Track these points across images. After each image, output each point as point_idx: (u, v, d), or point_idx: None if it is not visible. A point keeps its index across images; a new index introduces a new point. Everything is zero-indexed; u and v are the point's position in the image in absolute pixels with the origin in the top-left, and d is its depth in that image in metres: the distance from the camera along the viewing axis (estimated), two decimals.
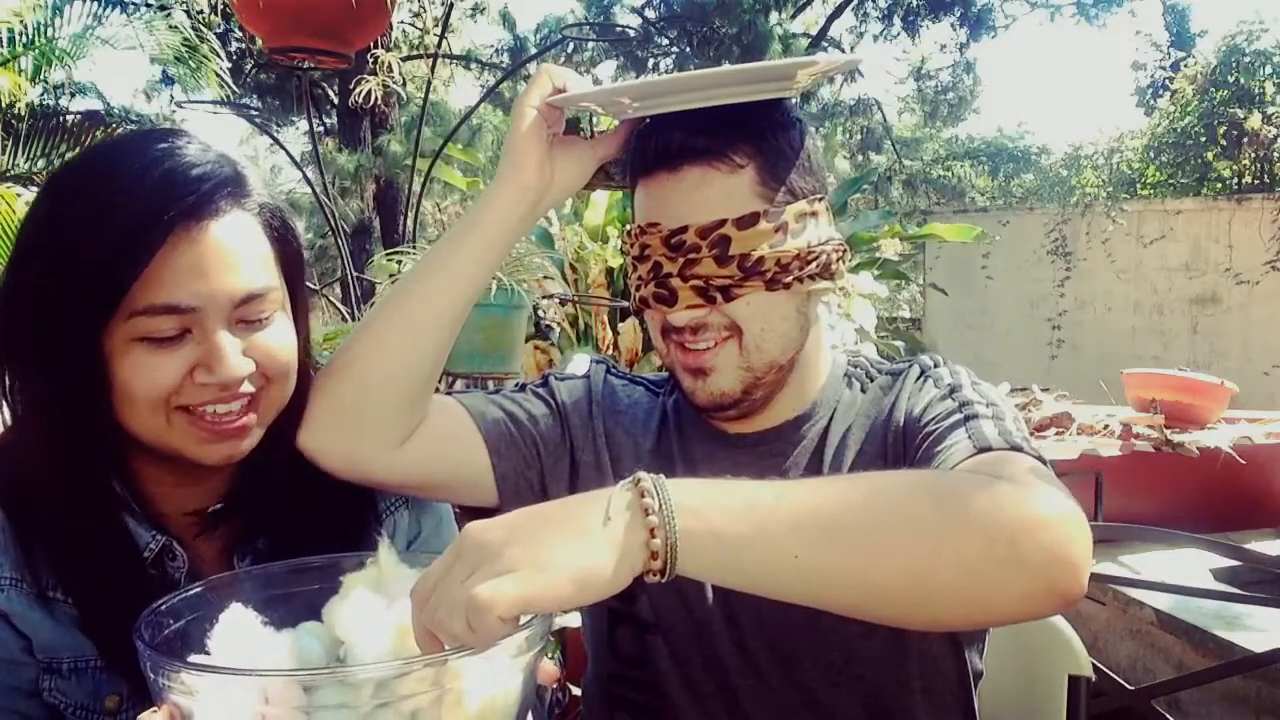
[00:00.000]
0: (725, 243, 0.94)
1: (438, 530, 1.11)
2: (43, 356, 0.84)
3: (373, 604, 0.75)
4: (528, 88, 0.96)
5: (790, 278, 0.96)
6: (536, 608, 0.64)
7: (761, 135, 0.96)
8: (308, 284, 1.00)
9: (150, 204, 0.82)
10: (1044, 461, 0.85)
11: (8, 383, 0.88)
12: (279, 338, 0.90)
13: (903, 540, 0.69)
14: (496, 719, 0.69)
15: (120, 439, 0.88)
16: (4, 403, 0.90)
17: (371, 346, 0.96)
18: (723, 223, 0.94)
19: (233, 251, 0.85)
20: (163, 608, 0.74)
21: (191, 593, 0.77)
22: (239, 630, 0.73)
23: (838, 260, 1.01)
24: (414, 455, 0.99)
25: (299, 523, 0.97)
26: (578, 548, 0.65)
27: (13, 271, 0.86)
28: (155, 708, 0.66)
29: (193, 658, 0.70)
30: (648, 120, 0.99)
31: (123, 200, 0.82)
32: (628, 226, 1.03)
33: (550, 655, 1.58)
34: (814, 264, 0.98)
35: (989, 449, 0.85)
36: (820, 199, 1.00)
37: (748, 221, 0.94)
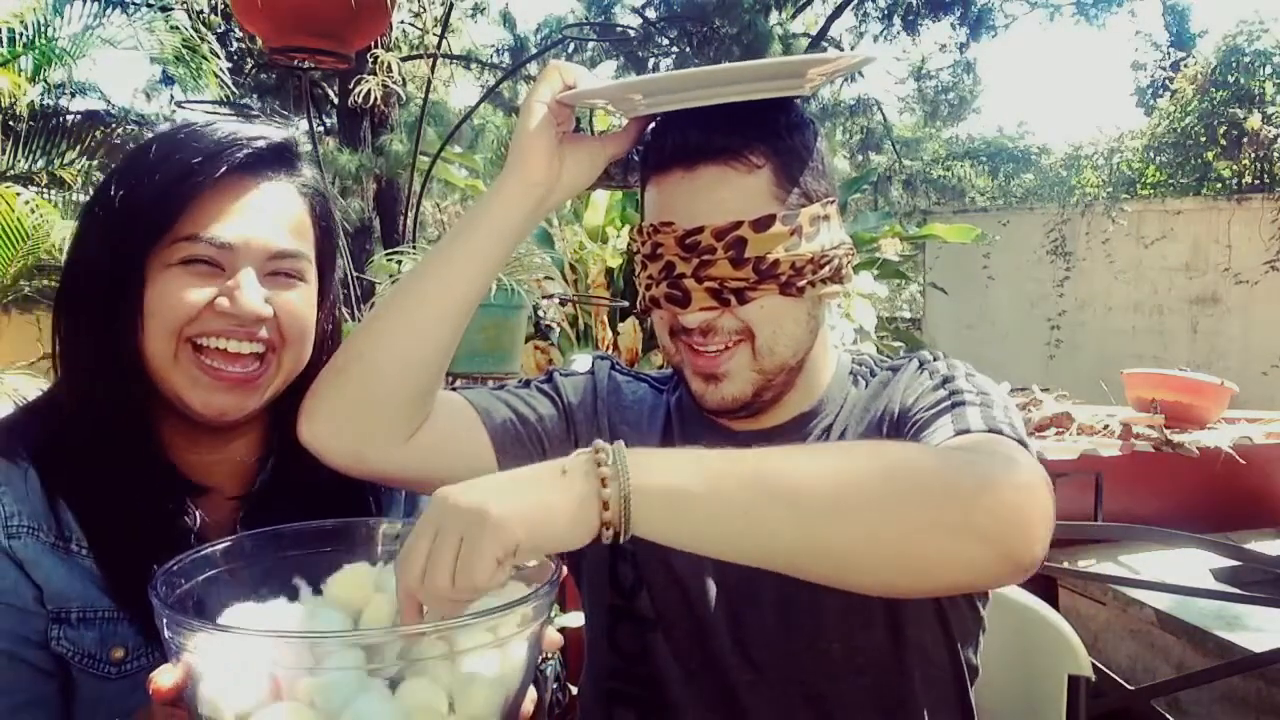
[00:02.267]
0: (741, 244, 0.94)
1: None
2: (94, 271, 0.92)
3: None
4: (537, 83, 0.95)
5: (804, 281, 0.96)
6: (493, 544, 0.66)
7: (778, 135, 0.96)
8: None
9: (212, 148, 0.92)
10: (1025, 445, 0.85)
11: (61, 328, 0.96)
12: (302, 301, 0.97)
13: (853, 502, 0.70)
14: (502, 686, 0.70)
15: (143, 396, 0.94)
16: (55, 340, 0.97)
17: (375, 343, 0.96)
18: (739, 224, 0.93)
19: (278, 211, 0.95)
20: (176, 566, 0.76)
21: (205, 552, 0.79)
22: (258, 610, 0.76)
23: (847, 264, 1.01)
24: (419, 451, 0.99)
25: (305, 491, 1.02)
26: (532, 493, 0.68)
27: (88, 209, 0.96)
28: (170, 662, 0.68)
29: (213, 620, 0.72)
30: (658, 118, 0.99)
31: (189, 145, 0.92)
32: (637, 224, 1.02)
33: (551, 655, 1.58)
34: (826, 268, 0.98)
35: (968, 431, 0.86)
36: (831, 202, 1.00)
37: (764, 223, 0.94)
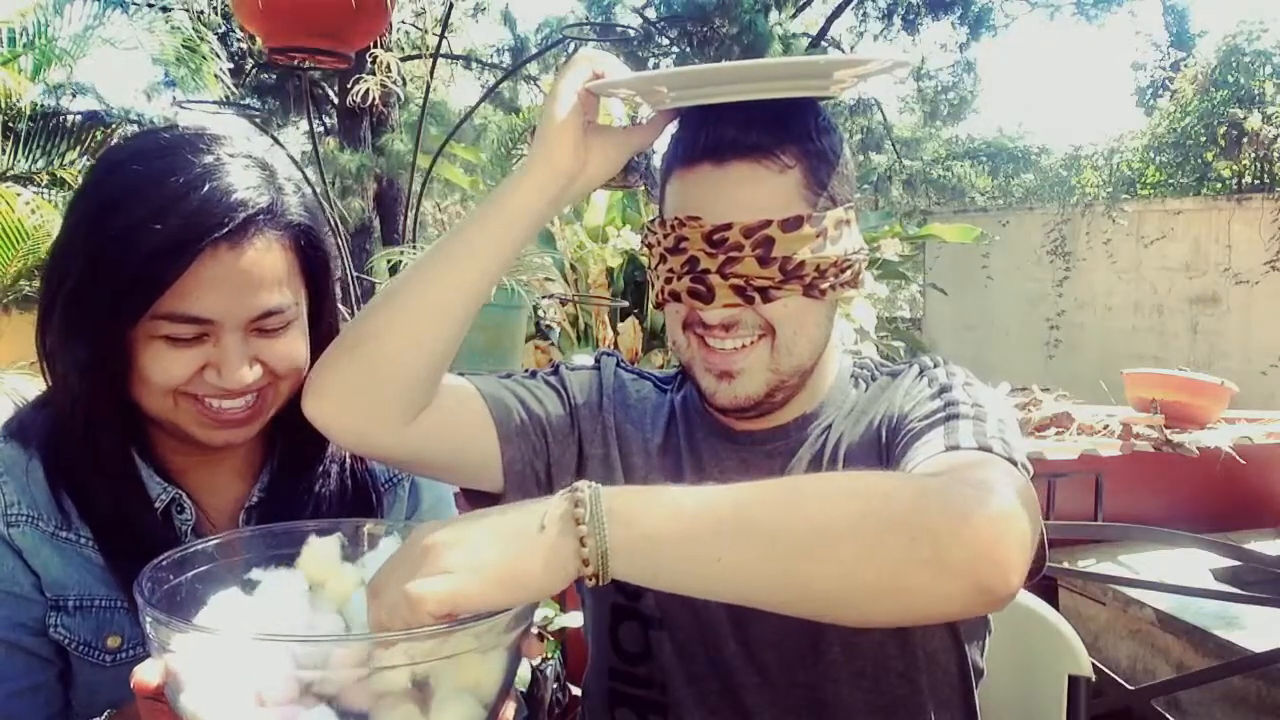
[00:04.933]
0: (769, 244, 0.93)
1: (436, 507, 1.16)
2: (74, 334, 0.91)
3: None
4: (566, 71, 0.94)
5: (826, 284, 0.96)
6: (464, 607, 0.67)
7: (808, 137, 0.95)
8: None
9: (188, 224, 0.87)
10: (1015, 462, 0.84)
11: (46, 347, 0.95)
12: (290, 347, 0.96)
13: (825, 542, 0.69)
14: (480, 692, 0.70)
15: (138, 420, 0.95)
16: (42, 364, 0.97)
17: (385, 323, 0.95)
18: (768, 223, 0.93)
19: (257, 274, 0.91)
20: (164, 563, 0.76)
21: (194, 549, 0.79)
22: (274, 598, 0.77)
23: (863, 269, 1.01)
24: (423, 434, 0.98)
25: (306, 489, 1.03)
26: (509, 553, 0.68)
27: (58, 256, 0.93)
28: (153, 658, 0.69)
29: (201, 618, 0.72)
30: (684, 113, 0.98)
31: (163, 216, 0.87)
32: (656, 216, 1.01)
33: (550, 655, 1.58)
34: (847, 272, 0.98)
35: (958, 448, 0.85)
36: (853, 207, 1.00)
37: (792, 224, 0.93)
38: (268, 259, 0.92)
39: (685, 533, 0.69)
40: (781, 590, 0.71)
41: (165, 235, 0.86)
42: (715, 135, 0.94)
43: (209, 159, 0.90)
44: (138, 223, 0.86)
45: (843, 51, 12.27)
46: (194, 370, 0.90)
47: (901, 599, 0.70)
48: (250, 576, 0.79)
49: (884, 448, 0.99)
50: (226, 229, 0.88)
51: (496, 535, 0.69)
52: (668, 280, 0.99)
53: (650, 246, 1.02)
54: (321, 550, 0.80)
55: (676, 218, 0.97)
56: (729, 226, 0.93)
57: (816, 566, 0.69)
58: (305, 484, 1.04)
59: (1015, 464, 0.83)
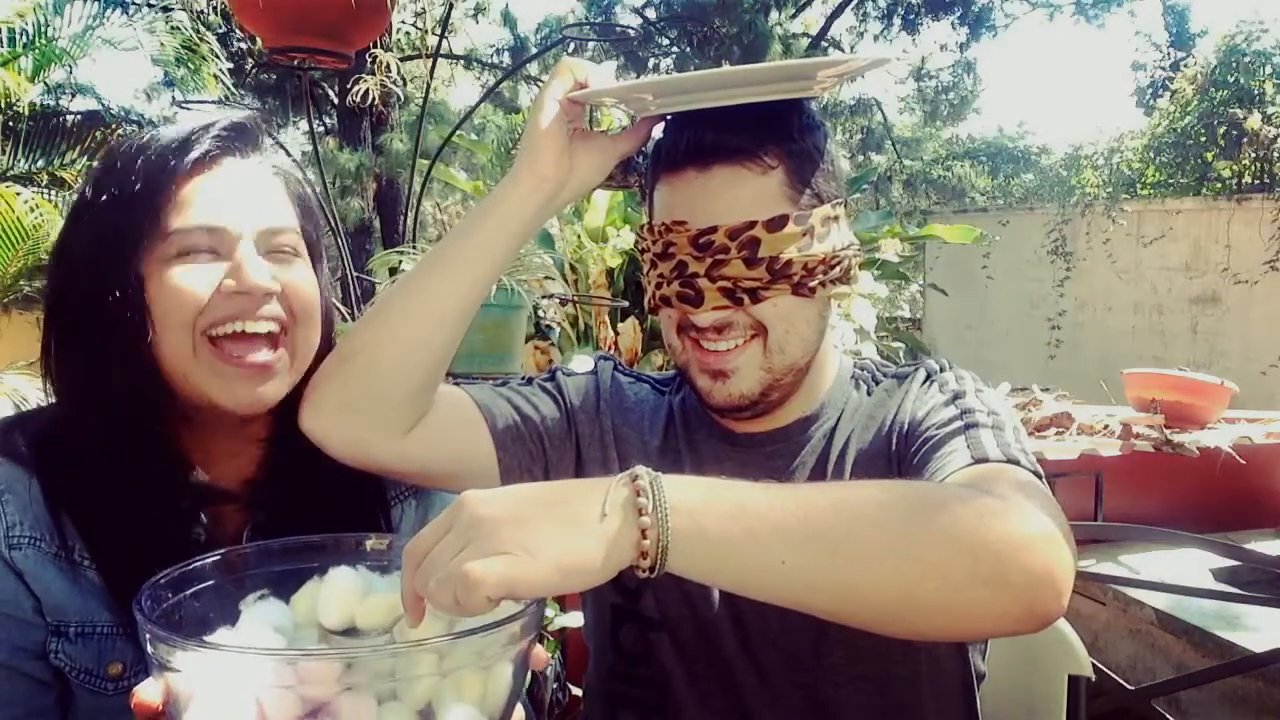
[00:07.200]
0: (754, 245, 0.94)
1: None
2: (91, 293, 0.90)
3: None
4: (549, 80, 0.95)
5: (815, 282, 0.96)
6: (521, 592, 0.64)
7: (790, 137, 0.96)
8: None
9: (182, 136, 0.93)
10: (1040, 475, 0.85)
11: (53, 350, 0.94)
12: (303, 276, 0.97)
13: (890, 555, 0.69)
14: (486, 705, 0.69)
15: (157, 401, 0.92)
16: (46, 382, 0.95)
17: (379, 335, 0.96)
18: (753, 224, 0.93)
19: (256, 188, 0.96)
20: (162, 581, 0.74)
21: (191, 566, 0.78)
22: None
23: (855, 265, 1.01)
24: (419, 443, 0.99)
25: (311, 505, 1.00)
26: (569, 538, 0.66)
27: (61, 247, 0.94)
28: (153, 677, 0.67)
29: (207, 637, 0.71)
30: (669, 118, 0.98)
31: (157, 144, 0.92)
32: (646, 222, 1.02)
33: (550, 656, 1.59)
34: (837, 269, 0.98)
35: (986, 460, 0.85)
36: (841, 203, 1.00)
37: (777, 224, 0.94)
38: (263, 179, 0.96)
39: (748, 533, 0.68)
40: (840, 599, 0.70)
41: (164, 148, 0.91)
42: (696, 139, 0.94)
43: (197, 116, 0.97)
44: (140, 151, 0.91)
45: (842, 51, 12.27)
46: (212, 288, 0.90)
47: (957, 616, 0.71)
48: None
49: (895, 454, 0.99)
50: (218, 134, 0.94)
51: (557, 518, 0.66)
52: (659, 285, 0.99)
53: (642, 253, 1.03)
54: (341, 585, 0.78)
55: (663, 223, 0.97)
56: (714, 229, 0.94)
57: (880, 579, 0.69)
58: (311, 498, 1.01)
59: (1040, 476, 0.84)
